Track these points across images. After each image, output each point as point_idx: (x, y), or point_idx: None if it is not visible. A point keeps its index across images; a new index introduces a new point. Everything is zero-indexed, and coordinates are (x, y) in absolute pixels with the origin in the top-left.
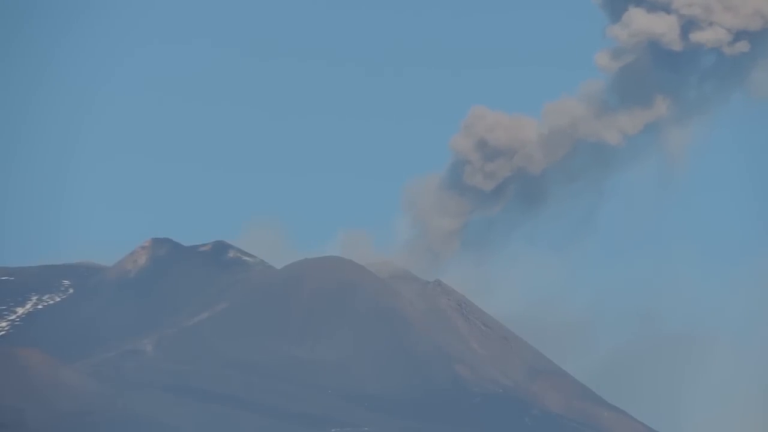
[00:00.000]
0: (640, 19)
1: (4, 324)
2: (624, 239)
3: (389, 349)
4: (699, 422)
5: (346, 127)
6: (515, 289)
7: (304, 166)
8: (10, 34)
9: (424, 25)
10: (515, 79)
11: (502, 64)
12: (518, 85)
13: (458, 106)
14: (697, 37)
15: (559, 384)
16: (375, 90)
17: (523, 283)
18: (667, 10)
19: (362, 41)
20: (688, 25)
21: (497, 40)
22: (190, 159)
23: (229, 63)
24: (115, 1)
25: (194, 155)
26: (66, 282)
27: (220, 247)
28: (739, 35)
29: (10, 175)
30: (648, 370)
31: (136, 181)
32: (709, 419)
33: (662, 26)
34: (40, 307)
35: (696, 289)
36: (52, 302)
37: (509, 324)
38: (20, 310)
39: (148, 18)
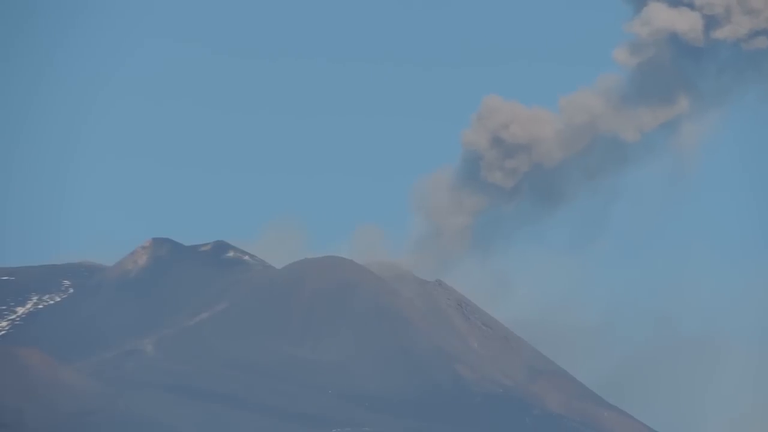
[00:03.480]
0: (661, 15)
1: (4, 324)
2: (638, 240)
3: (389, 349)
4: (714, 426)
5: (359, 125)
6: (526, 292)
7: (314, 166)
8: (10, 34)
9: (434, 20)
10: (525, 74)
11: (511, 59)
12: (528, 79)
13: (471, 101)
14: (717, 33)
15: (559, 384)
16: (386, 87)
17: (534, 285)
18: (688, 5)
19: (371, 37)
20: (710, 23)
21: (507, 36)
22: (191, 159)
23: (232, 64)
24: (118, 2)
25: (195, 156)
26: (66, 282)
27: (220, 247)
28: (758, 33)
29: (11, 175)
30: (664, 373)
31: (136, 181)
32: (724, 422)
33: (685, 24)
34: (40, 307)
35: (713, 291)
36: (52, 302)
37: (519, 328)
38: (20, 310)
39: (150, 19)
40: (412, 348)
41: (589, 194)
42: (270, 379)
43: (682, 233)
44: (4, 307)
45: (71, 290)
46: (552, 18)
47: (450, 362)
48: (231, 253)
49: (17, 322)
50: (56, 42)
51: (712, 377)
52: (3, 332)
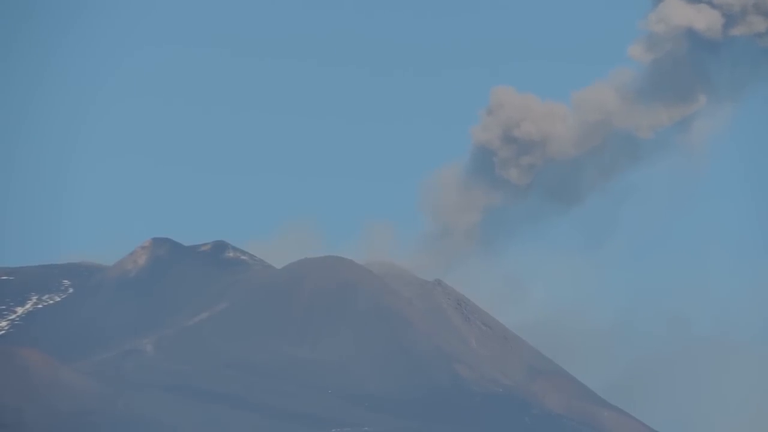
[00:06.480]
0: (678, 12)
1: (4, 324)
2: (650, 241)
3: (389, 349)
4: (726, 427)
5: (366, 125)
6: (538, 294)
7: (315, 166)
8: (10, 34)
9: (443, 17)
10: (535, 72)
11: (521, 56)
12: (539, 77)
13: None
14: (733, 31)
15: (559, 384)
16: (395, 86)
17: (545, 287)
18: (707, 3)
19: (378, 35)
20: (729, 21)
21: (515, 33)
22: (191, 159)
23: (234, 63)
24: (118, 2)
25: (195, 156)
26: (66, 282)
27: (220, 247)
28: None
29: (10, 175)
30: (677, 373)
31: (136, 181)
32: (739, 422)
33: (702, 22)
34: (40, 307)
35: (726, 291)
36: (52, 302)
37: (528, 330)
38: (20, 310)
39: (151, 19)
40: (411, 348)
41: (601, 194)
42: (270, 379)
43: (694, 233)
44: (3, 307)
45: (71, 290)
46: (563, 14)
47: (449, 362)
48: (230, 253)
49: (17, 322)
50: (56, 42)
51: (725, 377)
52: (3, 332)
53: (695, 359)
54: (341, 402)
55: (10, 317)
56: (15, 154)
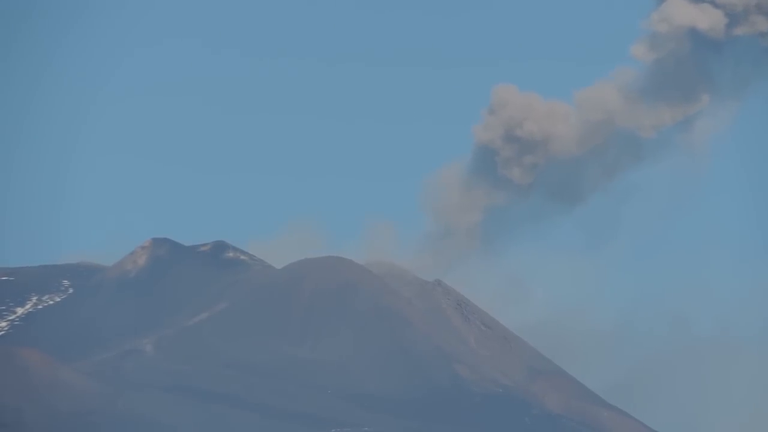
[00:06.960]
0: (681, 11)
1: (4, 324)
2: (652, 241)
3: (389, 349)
4: (728, 427)
5: (369, 125)
6: (541, 295)
7: (314, 166)
8: (10, 34)
9: (444, 17)
10: (538, 71)
11: (523, 56)
12: (541, 77)
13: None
14: (736, 30)
15: (559, 384)
16: (396, 85)
17: (547, 287)
18: (710, 2)
19: (380, 34)
20: (732, 21)
21: (518, 32)
22: (191, 159)
23: (235, 63)
24: (118, 2)
25: (195, 156)
26: (66, 282)
27: (220, 247)
28: None
29: (10, 175)
30: (679, 374)
31: (136, 181)
32: (740, 423)
33: (705, 21)
34: (40, 307)
35: (728, 291)
36: (52, 302)
37: (529, 331)
38: (20, 310)
39: (151, 19)
40: (411, 348)
41: (603, 193)
42: (270, 379)
43: (696, 233)
44: (3, 307)
45: (71, 290)
46: (566, 13)
47: (449, 362)
48: (230, 253)
49: (17, 322)
50: (56, 42)
51: (726, 377)
52: (3, 332)
53: (696, 359)
54: (341, 402)
55: (10, 317)
56: (15, 154)
